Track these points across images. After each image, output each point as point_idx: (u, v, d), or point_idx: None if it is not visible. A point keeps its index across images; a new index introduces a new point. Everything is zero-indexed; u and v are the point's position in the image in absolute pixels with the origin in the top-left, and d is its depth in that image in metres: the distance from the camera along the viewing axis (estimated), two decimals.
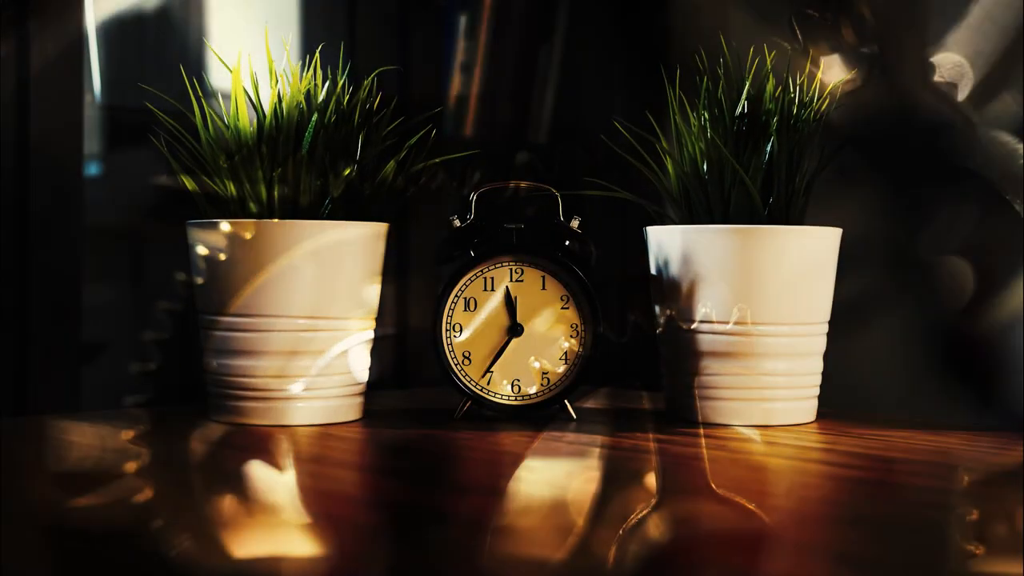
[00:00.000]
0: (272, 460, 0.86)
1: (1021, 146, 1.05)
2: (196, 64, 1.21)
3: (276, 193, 0.98)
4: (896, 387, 1.08)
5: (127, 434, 0.96)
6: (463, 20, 1.38)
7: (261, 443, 0.90)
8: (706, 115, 1.01)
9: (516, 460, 0.86)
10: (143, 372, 1.16)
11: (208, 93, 0.99)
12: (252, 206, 0.98)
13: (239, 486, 0.79)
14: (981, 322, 1.07)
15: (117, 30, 1.19)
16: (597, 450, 0.90)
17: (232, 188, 0.98)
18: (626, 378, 1.24)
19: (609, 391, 1.20)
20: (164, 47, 1.23)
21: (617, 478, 0.82)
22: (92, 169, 1.18)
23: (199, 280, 0.99)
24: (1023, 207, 1.03)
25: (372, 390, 1.03)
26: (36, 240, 1.10)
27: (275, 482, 0.80)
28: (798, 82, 1.01)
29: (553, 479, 0.81)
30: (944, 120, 1.08)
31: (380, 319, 1.03)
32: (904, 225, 1.07)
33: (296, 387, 0.96)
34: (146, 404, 1.15)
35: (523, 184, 1.06)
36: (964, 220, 1.08)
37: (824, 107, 1.01)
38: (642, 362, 1.22)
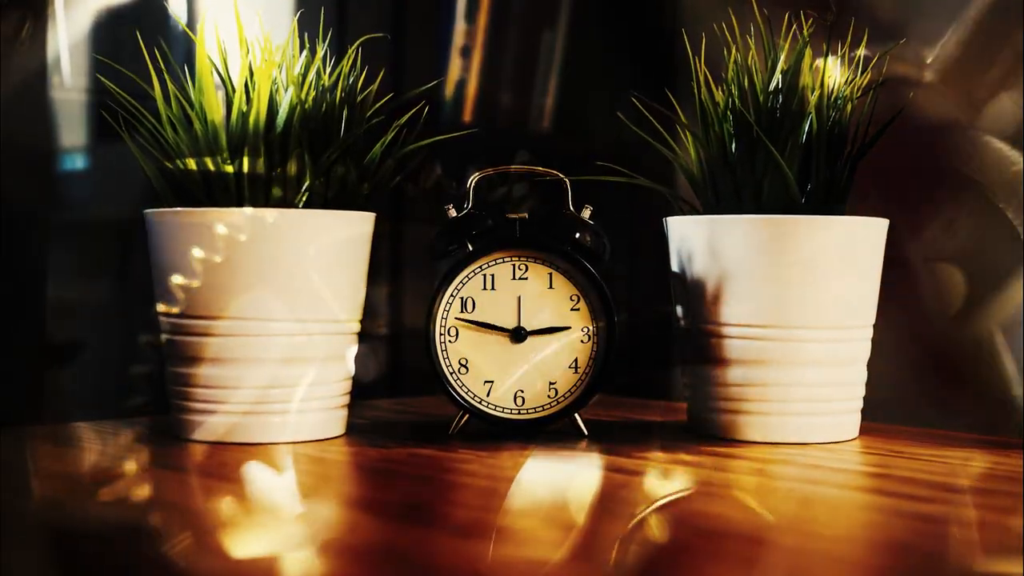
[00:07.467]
0: (241, 494, 0.74)
1: (1016, 153, 1.02)
2: (183, 45, 1.13)
3: (246, 179, 0.86)
4: (886, 391, 1.00)
5: (78, 455, 0.85)
6: (462, 1, 1.33)
7: (230, 470, 0.78)
8: (734, 89, 0.90)
9: (518, 488, 0.74)
10: (134, 407, 1.07)
11: (174, 72, 0.88)
12: (219, 194, 0.87)
13: (202, 532, 0.67)
14: (971, 329, 1.04)
15: (95, 10, 1.10)
16: (613, 475, 0.78)
17: (196, 172, 0.87)
18: (626, 385, 1.14)
19: (616, 400, 1.09)
20: (143, 25, 1.15)
21: (637, 509, 0.70)
22: (67, 160, 1.11)
23: (158, 277, 0.87)
24: (1017, 214, 1.00)
25: (361, 398, 0.94)
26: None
27: (248, 522, 0.69)
28: (838, 54, 0.91)
29: (562, 513, 0.69)
30: (943, 124, 1.05)
31: (370, 320, 0.94)
32: (898, 229, 0.99)
33: (272, 400, 0.85)
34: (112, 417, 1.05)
35: (527, 168, 0.95)
36: (958, 226, 1.05)
37: (867, 82, 0.91)
38: (644, 366, 1.15)
